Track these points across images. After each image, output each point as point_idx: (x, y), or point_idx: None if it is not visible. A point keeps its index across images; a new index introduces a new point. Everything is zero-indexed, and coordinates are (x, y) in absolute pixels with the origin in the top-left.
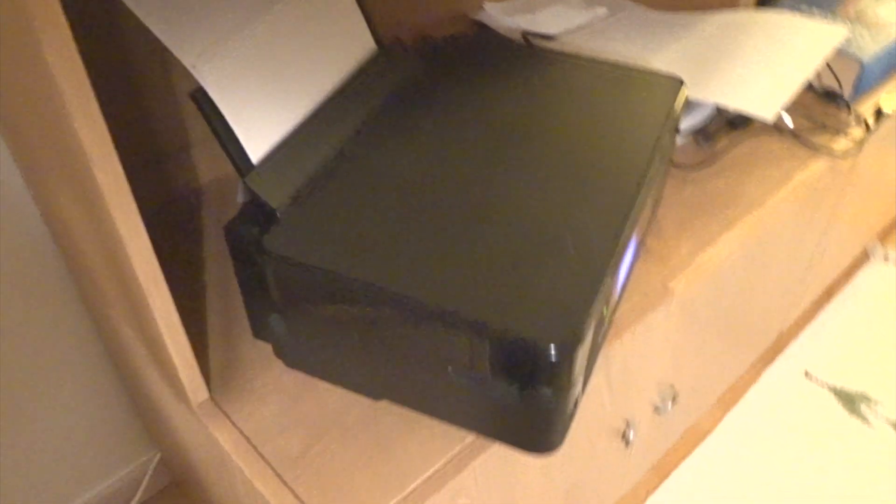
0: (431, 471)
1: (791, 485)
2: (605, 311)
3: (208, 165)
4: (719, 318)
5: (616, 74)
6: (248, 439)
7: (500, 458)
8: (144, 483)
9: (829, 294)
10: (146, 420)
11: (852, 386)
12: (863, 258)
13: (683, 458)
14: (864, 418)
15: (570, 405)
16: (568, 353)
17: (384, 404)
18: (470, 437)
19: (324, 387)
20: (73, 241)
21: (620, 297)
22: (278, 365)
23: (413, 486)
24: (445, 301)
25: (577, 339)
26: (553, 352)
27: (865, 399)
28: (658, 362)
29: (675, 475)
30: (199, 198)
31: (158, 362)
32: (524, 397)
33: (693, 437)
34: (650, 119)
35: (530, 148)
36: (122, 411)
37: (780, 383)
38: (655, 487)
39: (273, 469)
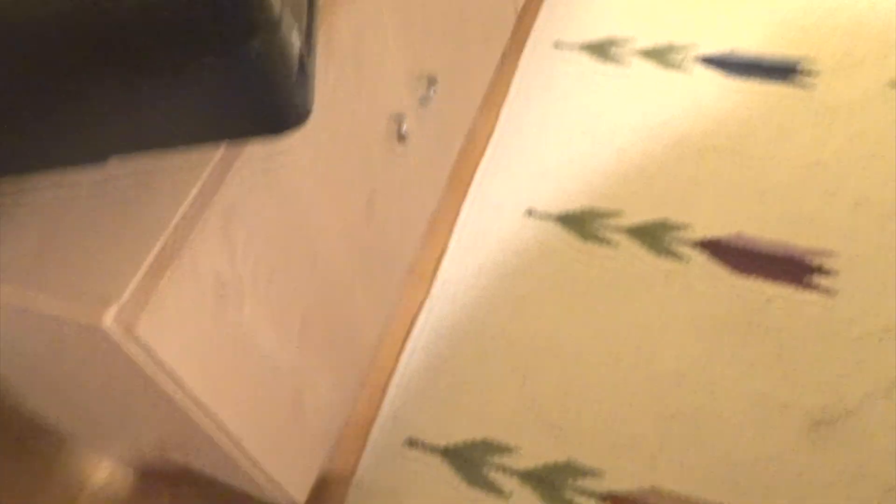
0: (188, 199)
1: (580, 149)
2: None
3: None
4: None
5: None
6: None
7: (260, 160)
8: None
9: None
10: None
11: (597, 36)
12: None
13: (475, 166)
14: (616, 60)
15: (291, 56)
16: None
17: (114, 164)
18: (216, 152)
19: (39, 179)
20: None
21: None
22: None
23: (174, 220)
24: None
25: None
26: None
27: (612, 43)
28: (396, 43)
29: (474, 186)
30: None
31: None
32: (234, 64)
33: (476, 146)
34: None
35: None
36: None
37: (535, 62)
38: (461, 199)
39: (12, 281)
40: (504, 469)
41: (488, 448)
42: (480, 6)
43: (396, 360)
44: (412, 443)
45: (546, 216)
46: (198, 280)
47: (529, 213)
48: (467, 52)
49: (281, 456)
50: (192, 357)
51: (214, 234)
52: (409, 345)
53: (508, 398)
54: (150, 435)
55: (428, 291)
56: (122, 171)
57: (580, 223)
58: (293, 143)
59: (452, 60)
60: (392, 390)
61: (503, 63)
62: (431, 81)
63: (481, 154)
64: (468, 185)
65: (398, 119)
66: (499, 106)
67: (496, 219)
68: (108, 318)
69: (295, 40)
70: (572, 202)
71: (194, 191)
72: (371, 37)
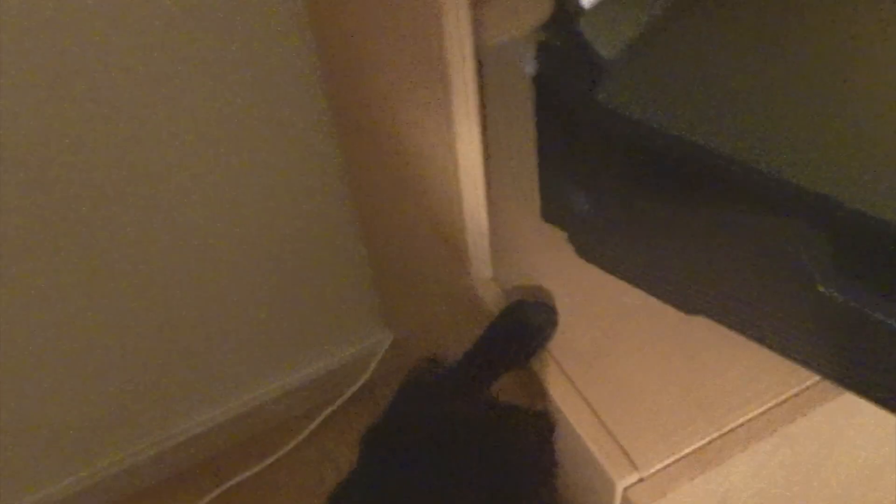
0: (758, 411)
1: None
2: None
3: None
4: None
5: None
6: None
7: (847, 412)
8: (374, 364)
9: None
10: (387, 301)
11: None
12: None
13: None
14: None
15: None
16: None
17: (698, 320)
18: (813, 379)
19: (621, 286)
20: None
21: None
22: (568, 253)
23: (734, 423)
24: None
25: None
26: None
27: None
28: None
29: None
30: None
31: (441, 236)
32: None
33: None
34: None
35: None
36: (363, 286)
37: None
38: None
39: (559, 365)
40: None
41: None
42: None
43: None
44: None
45: None
46: (709, 488)
47: None
48: None
49: None
50: None
51: (751, 456)
52: None
53: None
54: None
55: None
56: (702, 331)
57: None
58: None
59: None
60: None
61: None
62: None
63: None
64: None
65: None
66: None
67: None
68: (625, 484)
69: None
70: None
71: (770, 401)
72: None
